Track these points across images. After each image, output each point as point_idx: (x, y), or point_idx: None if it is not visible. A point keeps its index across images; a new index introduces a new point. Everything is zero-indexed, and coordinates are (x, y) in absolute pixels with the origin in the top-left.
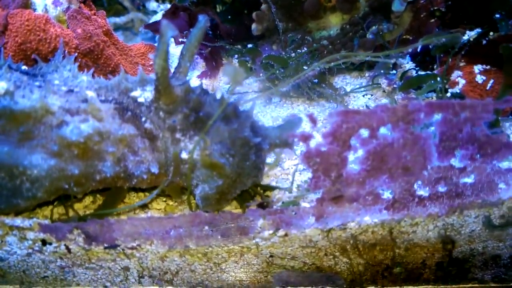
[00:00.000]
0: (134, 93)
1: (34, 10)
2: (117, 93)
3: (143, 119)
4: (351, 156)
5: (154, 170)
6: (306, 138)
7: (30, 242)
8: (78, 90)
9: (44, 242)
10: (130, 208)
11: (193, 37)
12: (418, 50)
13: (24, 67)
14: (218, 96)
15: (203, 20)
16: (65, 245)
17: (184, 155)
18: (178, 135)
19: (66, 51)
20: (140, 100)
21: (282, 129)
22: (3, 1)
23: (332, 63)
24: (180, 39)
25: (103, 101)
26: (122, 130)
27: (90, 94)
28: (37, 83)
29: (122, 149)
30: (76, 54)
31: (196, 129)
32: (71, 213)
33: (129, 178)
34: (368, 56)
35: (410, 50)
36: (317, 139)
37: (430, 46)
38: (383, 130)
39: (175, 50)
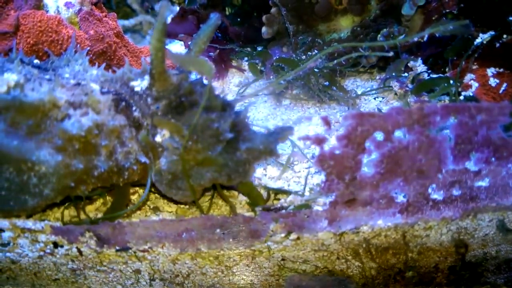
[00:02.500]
0: (133, 83)
1: (47, 11)
2: (119, 84)
3: (134, 108)
4: (365, 159)
5: (143, 159)
6: (320, 141)
7: (42, 244)
8: (85, 83)
9: (55, 245)
10: (136, 206)
11: (202, 32)
12: (425, 38)
13: (36, 61)
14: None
15: (214, 17)
16: (76, 247)
17: (158, 139)
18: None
19: (79, 46)
20: (137, 89)
21: (269, 136)
22: (16, 3)
23: (340, 62)
24: (189, 43)
25: (104, 93)
26: (114, 121)
27: (94, 86)
28: (47, 77)
29: (113, 141)
30: (88, 49)
31: (175, 113)
32: (82, 216)
33: (121, 171)
34: (366, 45)
35: (415, 39)
36: (330, 142)
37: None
38: (398, 133)
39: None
